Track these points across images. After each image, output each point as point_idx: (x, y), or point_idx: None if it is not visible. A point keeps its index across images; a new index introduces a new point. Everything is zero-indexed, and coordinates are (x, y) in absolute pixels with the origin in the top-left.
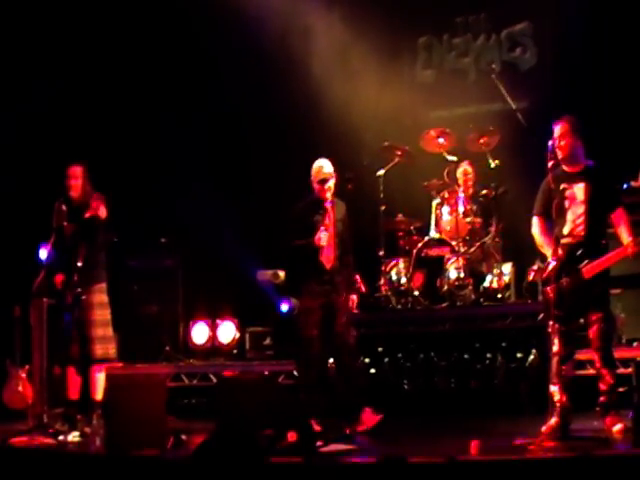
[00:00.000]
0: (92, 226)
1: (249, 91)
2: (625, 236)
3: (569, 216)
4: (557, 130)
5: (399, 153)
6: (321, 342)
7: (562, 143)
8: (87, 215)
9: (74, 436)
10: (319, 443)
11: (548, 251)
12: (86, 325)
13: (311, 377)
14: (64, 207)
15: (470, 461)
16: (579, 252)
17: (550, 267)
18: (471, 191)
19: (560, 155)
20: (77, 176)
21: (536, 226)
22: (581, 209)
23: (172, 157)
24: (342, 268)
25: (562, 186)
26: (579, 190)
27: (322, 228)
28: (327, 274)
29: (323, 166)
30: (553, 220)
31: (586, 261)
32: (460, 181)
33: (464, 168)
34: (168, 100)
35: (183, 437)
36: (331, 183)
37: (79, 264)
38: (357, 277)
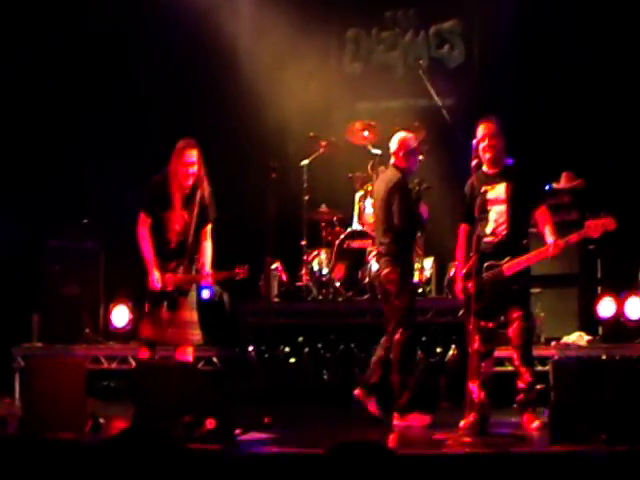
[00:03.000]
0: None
1: (171, 73)
2: (548, 235)
3: (491, 215)
4: (482, 130)
5: (324, 144)
6: None
7: (489, 144)
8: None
9: None
10: (238, 431)
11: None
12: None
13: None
14: None
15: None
16: (501, 249)
17: (471, 262)
18: None
19: (487, 156)
20: (195, 162)
21: (460, 235)
22: (503, 208)
23: (96, 139)
24: None
25: (484, 188)
26: (500, 190)
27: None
28: None
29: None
30: (475, 219)
31: (507, 258)
32: None
33: None
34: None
35: (101, 420)
36: None
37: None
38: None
